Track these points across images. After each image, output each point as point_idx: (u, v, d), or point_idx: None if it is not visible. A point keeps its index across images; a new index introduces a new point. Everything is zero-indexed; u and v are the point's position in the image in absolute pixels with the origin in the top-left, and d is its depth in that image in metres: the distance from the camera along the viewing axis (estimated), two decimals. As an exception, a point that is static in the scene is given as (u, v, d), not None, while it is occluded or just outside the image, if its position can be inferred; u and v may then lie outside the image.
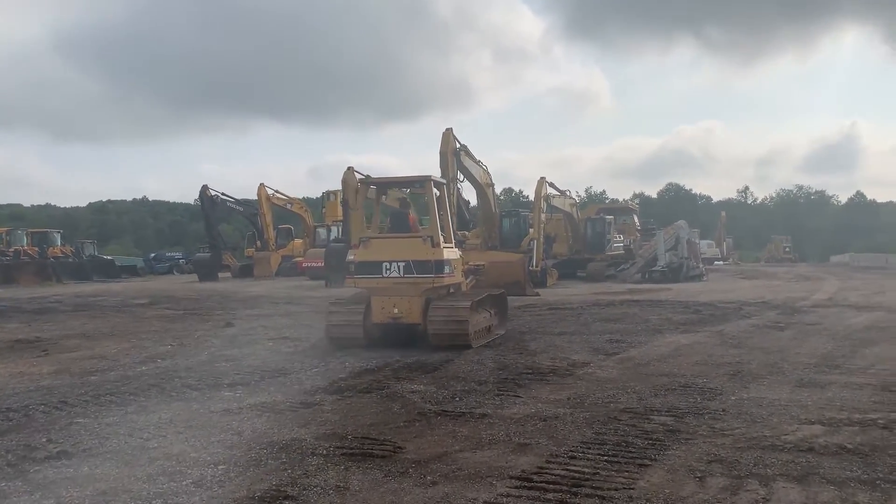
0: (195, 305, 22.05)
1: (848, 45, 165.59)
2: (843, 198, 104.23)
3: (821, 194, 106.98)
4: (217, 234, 38.72)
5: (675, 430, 5.99)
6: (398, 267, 10.76)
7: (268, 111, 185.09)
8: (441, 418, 6.61)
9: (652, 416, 6.52)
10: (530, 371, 8.95)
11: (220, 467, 5.29)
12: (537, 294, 23.44)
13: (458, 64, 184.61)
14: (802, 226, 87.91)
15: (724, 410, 6.70)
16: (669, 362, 9.57)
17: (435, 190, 11.45)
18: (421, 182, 11.82)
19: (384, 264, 10.85)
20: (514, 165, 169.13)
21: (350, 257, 11.35)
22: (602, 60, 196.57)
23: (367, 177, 13.18)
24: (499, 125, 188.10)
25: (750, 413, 6.59)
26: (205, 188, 37.36)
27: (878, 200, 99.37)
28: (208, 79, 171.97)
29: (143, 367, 10.10)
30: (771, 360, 9.63)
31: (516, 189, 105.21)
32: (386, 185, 13.74)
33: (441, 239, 10.99)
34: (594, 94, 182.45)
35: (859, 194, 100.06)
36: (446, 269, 10.97)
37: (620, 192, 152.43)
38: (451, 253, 11.36)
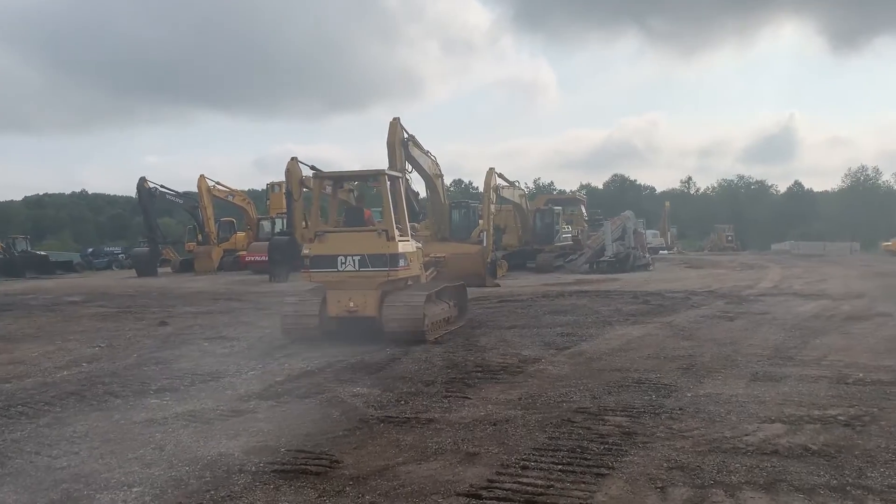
0: (130, 303, 21.07)
1: (786, 39, 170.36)
2: (782, 187, 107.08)
3: (761, 184, 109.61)
4: (156, 228, 37.36)
5: (632, 433, 5.65)
6: (353, 261, 10.75)
7: (211, 101, 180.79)
8: (384, 425, 6.15)
9: (606, 417, 6.18)
10: (480, 369, 8.55)
11: (134, 490, 4.73)
12: (497, 285, 23.26)
13: (405, 54, 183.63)
14: (743, 215, 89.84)
15: (680, 409, 6.41)
16: (621, 356, 9.30)
17: (389, 183, 11.33)
18: (375, 176, 11.73)
19: (339, 258, 10.81)
20: (463, 157, 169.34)
21: (305, 251, 11.26)
22: (549, 52, 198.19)
23: (321, 171, 12.82)
24: (448, 116, 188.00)
25: (707, 411, 6.31)
26: (142, 180, 35.95)
27: (815, 190, 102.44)
28: (149, 68, 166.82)
29: (65, 373, 9.36)
30: (723, 352, 9.44)
31: (466, 180, 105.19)
32: (341, 179, 13.38)
33: (396, 233, 10.95)
34: (542, 86, 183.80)
35: (797, 184, 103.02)
36: (401, 263, 10.92)
37: (568, 183, 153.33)
38: (406, 246, 11.30)
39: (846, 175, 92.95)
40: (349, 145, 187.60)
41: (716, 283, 22.40)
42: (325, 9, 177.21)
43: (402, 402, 6.96)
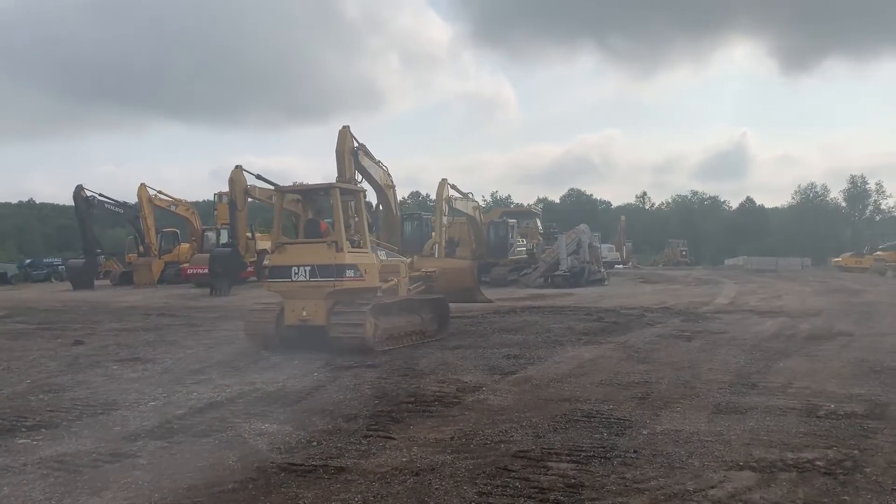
0: (54, 318, 19.61)
1: (738, 59, 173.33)
2: (735, 203, 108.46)
3: (714, 200, 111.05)
4: (93, 239, 35.57)
5: (578, 485, 4.74)
6: (305, 271, 11.08)
7: (168, 110, 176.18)
8: (285, 475, 5.12)
9: (550, 464, 5.26)
10: (412, 399, 7.58)
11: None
12: (490, 300, 22.54)
13: (366, 67, 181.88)
14: (697, 230, 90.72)
15: (635, 451, 5.53)
16: (571, 383, 8.42)
17: (346, 197, 11.95)
18: (326, 189, 11.99)
19: (293, 268, 11.17)
20: (422, 169, 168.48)
21: (266, 262, 11.85)
22: (509, 68, 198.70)
23: (279, 186, 12.96)
24: (409, 129, 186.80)
25: (666, 454, 5.44)
26: (79, 188, 34.26)
27: (766, 206, 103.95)
28: (102, 73, 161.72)
29: (-65, 404, 8.11)
30: (682, 377, 8.64)
31: (424, 193, 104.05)
32: (294, 192, 13.18)
33: (347, 244, 11.20)
34: (502, 101, 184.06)
35: (749, 200, 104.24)
36: (348, 273, 11.07)
37: (525, 197, 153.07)
38: (360, 258, 11.47)
39: (796, 192, 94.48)
40: (309, 157, 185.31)
41: (671, 298, 21.84)
42: (285, 18, 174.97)
43: (314, 444, 5.94)
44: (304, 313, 11.18)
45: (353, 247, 11.53)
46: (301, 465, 5.36)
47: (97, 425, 6.84)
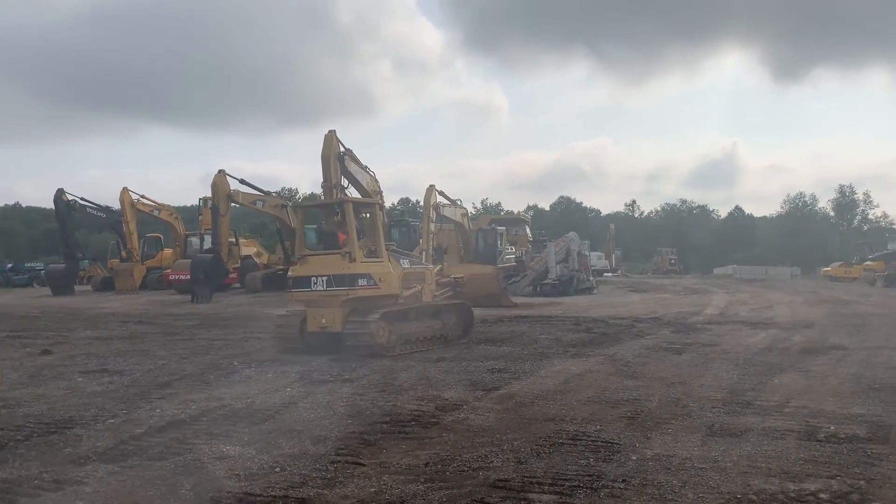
0: (27, 326, 19.07)
1: (730, 68, 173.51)
2: (724, 212, 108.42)
3: (703, 208, 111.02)
4: (74, 243, 34.94)
5: (562, 522, 4.32)
6: (322, 281, 11.67)
7: (158, 114, 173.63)
8: (240, 508, 4.67)
9: (531, 495, 4.82)
10: (388, 419, 7.12)
11: None
12: (515, 305, 22.35)
13: (359, 73, 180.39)
14: (686, 238, 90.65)
15: (624, 480, 5.10)
16: (557, 400, 7.99)
17: (364, 209, 13.02)
18: (339, 204, 12.63)
19: (312, 279, 11.78)
20: (414, 176, 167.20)
21: (290, 273, 12.52)
22: (501, 75, 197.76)
23: (299, 202, 14.23)
24: (400, 135, 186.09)
25: (657, 483, 5.02)
26: (60, 192, 33.65)
27: (755, 215, 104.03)
28: (93, 78, 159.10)
29: None
30: (672, 394, 8.24)
31: (414, 199, 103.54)
32: (313, 207, 14.71)
33: (361, 254, 11.89)
34: (494, 109, 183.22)
35: (738, 209, 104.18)
36: (360, 282, 11.65)
37: (516, 204, 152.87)
38: (375, 267, 12.07)
39: (785, 201, 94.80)
40: (300, 163, 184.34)
41: (660, 308, 21.48)
42: (277, 23, 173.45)
43: (277, 470, 5.48)
44: (324, 321, 11.79)
45: (369, 257, 12.24)
46: (259, 494, 4.90)
47: (46, 446, 6.35)
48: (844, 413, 7.19)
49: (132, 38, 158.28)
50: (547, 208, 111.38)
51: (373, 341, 11.33)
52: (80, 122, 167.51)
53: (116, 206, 36.04)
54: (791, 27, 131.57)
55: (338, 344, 11.70)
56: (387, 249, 12.96)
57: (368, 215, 13.06)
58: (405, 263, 13.30)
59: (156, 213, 36.15)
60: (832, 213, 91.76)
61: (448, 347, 12.56)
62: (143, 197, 35.53)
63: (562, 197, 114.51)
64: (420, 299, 13.20)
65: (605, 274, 51.16)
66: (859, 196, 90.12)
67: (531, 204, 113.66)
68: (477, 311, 21.09)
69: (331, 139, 27.83)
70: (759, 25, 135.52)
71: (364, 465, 5.53)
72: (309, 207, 14.13)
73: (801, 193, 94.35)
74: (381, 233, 12.65)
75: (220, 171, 27.45)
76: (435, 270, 14.41)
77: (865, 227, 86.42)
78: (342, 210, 12.39)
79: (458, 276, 15.85)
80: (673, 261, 64.98)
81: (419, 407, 7.65)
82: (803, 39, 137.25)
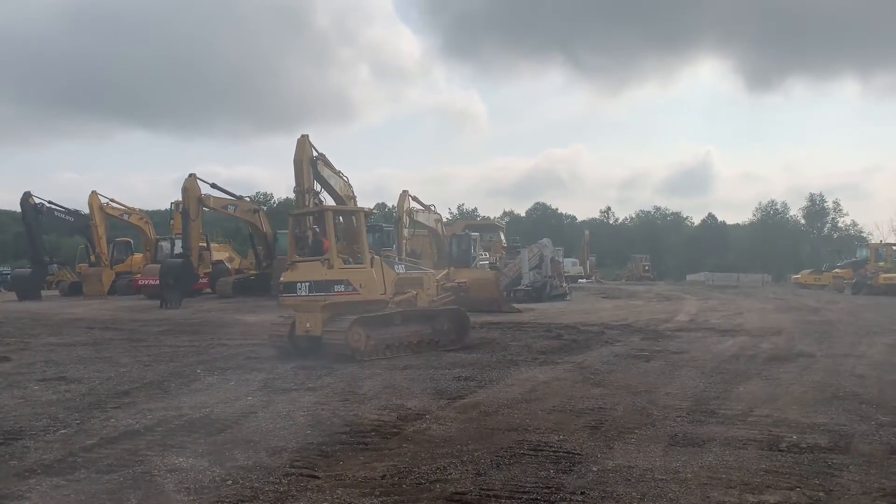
0: (-11, 332, 18.57)
1: (705, 77, 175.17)
2: (697, 219, 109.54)
3: (677, 215, 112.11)
4: (41, 248, 34.27)
5: (516, 537, 4.22)
6: (305, 287, 12.08)
7: (134, 117, 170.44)
8: (186, 524, 4.52)
9: (487, 509, 4.72)
10: (347, 429, 6.98)
11: None
12: (518, 311, 22.14)
13: (337, 78, 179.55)
14: (660, 245, 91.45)
15: (582, 492, 5.02)
16: (521, 409, 7.90)
17: (339, 218, 13.70)
18: (321, 212, 13.24)
19: (297, 284, 12.20)
20: (392, 181, 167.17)
21: (281, 279, 12.86)
22: (479, 82, 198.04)
23: (291, 210, 14.69)
24: (378, 141, 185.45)
25: (616, 496, 4.94)
26: (27, 195, 33.02)
27: (728, 222, 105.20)
28: (67, 79, 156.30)
29: None
30: (638, 403, 8.19)
31: (390, 204, 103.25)
32: (301, 215, 14.29)
33: (339, 261, 12.17)
34: (472, 115, 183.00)
35: (711, 216, 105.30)
36: (337, 288, 11.91)
37: (493, 210, 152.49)
38: (351, 273, 12.23)
39: (757, 209, 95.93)
40: (277, 167, 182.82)
41: (632, 315, 21.52)
42: (255, 28, 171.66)
43: (228, 483, 5.32)
44: (308, 325, 12.11)
45: (351, 264, 12.55)
46: (207, 511, 4.75)
47: (-9, 459, 6.13)
48: (807, 422, 7.18)
49: (107, 40, 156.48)
50: (523, 214, 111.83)
51: (347, 345, 11.50)
52: (53, 124, 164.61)
53: (87, 209, 35.54)
54: (765, 36, 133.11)
55: (321, 348, 11.98)
56: (379, 255, 13.57)
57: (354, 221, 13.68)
58: (399, 269, 13.59)
59: (125, 216, 35.62)
60: (803, 221, 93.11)
61: (423, 354, 12.40)
62: (112, 200, 35.01)
63: (538, 203, 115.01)
64: (415, 304, 13.35)
65: (580, 280, 51.36)
66: (829, 204, 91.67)
67: (507, 210, 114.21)
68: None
69: (303, 143, 27.62)
70: (734, 35, 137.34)
71: (319, 478, 5.39)
72: (300, 215, 14.09)
73: (772, 201, 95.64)
74: (364, 239, 12.95)
75: (190, 175, 27.14)
76: (440, 275, 14.69)
77: (835, 235, 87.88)
78: (322, 218, 12.87)
79: (461, 280, 16.39)
80: (647, 267, 65.39)
81: (381, 417, 7.52)
82: (777, 49, 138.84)
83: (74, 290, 35.34)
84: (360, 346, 11.77)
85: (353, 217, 13.81)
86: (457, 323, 13.90)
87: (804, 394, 8.75)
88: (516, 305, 24.29)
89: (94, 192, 33.83)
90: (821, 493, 4.96)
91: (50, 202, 34.47)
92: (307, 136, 26.18)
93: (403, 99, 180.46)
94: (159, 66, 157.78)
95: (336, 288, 11.87)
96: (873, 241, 49.57)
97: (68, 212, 35.61)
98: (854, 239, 77.15)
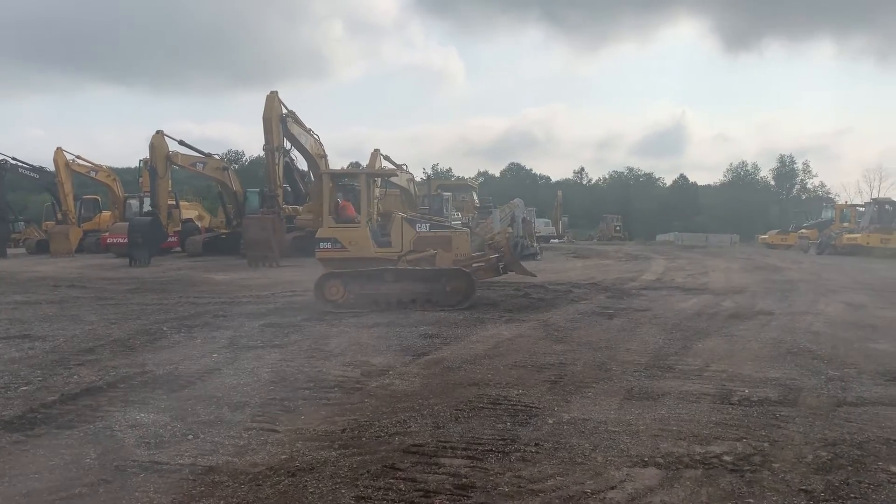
0: (-50, 290, 18.29)
1: (683, 37, 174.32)
2: (669, 180, 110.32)
3: (649, 176, 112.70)
4: (5, 205, 33.66)
5: (468, 486, 4.34)
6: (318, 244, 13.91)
7: (104, 71, 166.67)
8: (144, 476, 4.57)
9: (443, 460, 4.83)
10: (311, 384, 7.06)
11: None
12: (532, 274, 21.97)
13: (310, 33, 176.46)
14: (632, 206, 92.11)
15: (536, 444, 5.16)
16: (484, 365, 8.04)
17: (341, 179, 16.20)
18: (319, 176, 15.22)
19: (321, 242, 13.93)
20: (367, 140, 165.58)
21: (318, 234, 14.14)
22: (457, 39, 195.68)
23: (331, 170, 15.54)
24: (354, 99, 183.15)
25: (569, 447, 5.09)
26: (-11, 151, 32.29)
27: (699, 183, 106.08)
28: (34, 32, 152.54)
29: None
30: (598, 358, 8.36)
31: (363, 164, 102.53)
32: (340, 176, 16.17)
33: (329, 221, 13.88)
34: (450, 73, 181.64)
35: (682, 177, 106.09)
36: (324, 245, 13.70)
37: (468, 170, 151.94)
38: (341, 232, 13.73)
39: (727, 170, 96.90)
40: (250, 124, 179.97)
41: (600, 274, 21.80)
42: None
43: (189, 437, 5.38)
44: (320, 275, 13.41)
45: (345, 222, 13.95)
46: (166, 463, 4.80)
47: (-49, 415, 6.11)
48: (760, 377, 7.40)
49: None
50: (497, 175, 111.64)
51: (322, 297, 12.78)
52: (18, 78, 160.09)
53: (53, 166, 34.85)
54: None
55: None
56: (403, 216, 14.38)
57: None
58: (422, 227, 14.20)
59: (93, 174, 35.00)
60: (773, 183, 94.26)
61: (392, 313, 12.35)
62: (79, 157, 34.32)
63: (512, 163, 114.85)
64: (433, 263, 13.66)
65: (552, 240, 51.66)
66: (799, 166, 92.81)
67: (482, 170, 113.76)
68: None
69: (272, 100, 27.19)
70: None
71: (279, 432, 5.47)
72: (338, 175, 16.01)
73: (743, 162, 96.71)
74: (364, 200, 13.99)
75: (157, 132, 26.71)
76: (459, 234, 14.42)
77: (804, 197, 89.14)
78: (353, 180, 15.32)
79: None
80: (618, 228, 65.99)
81: (345, 373, 7.60)
82: (754, 8, 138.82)
83: (41, 248, 34.84)
84: (338, 298, 12.81)
85: (357, 181, 15.09)
86: (460, 284, 13.28)
87: (760, 350, 8.98)
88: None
89: (59, 149, 33.10)
90: (765, 444, 5.15)
91: (14, 158, 33.76)
92: (276, 92, 25.83)
93: (379, 56, 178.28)
94: (131, 19, 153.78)
95: (323, 245, 13.60)
96: (839, 203, 50.35)
97: (33, 168, 34.91)
98: (822, 200, 78.33)
